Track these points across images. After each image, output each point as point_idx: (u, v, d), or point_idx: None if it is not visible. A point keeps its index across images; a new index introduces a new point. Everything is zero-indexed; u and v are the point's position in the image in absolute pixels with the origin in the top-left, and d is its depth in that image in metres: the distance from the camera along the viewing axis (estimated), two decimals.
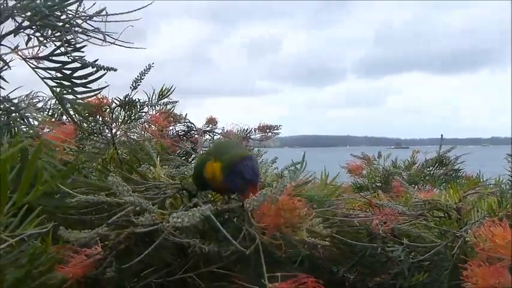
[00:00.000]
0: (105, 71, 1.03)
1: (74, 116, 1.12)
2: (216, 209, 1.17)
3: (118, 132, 1.78)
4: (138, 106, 1.82)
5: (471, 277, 0.98)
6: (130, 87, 1.76)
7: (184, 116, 2.57)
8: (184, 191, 1.22)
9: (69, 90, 1.03)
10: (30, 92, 1.89)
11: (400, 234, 1.43)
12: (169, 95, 2.01)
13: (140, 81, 1.77)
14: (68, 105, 1.02)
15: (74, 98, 1.04)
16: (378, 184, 2.76)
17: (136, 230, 0.94)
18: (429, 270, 1.35)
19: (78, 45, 1.03)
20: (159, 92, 1.98)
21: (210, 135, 2.67)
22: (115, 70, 1.04)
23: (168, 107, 2.13)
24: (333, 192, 1.44)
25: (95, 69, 1.03)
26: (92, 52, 1.07)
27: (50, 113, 1.75)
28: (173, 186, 1.20)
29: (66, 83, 1.03)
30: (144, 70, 1.78)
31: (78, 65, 1.02)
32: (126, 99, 1.72)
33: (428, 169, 2.92)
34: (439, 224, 1.39)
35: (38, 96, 1.92)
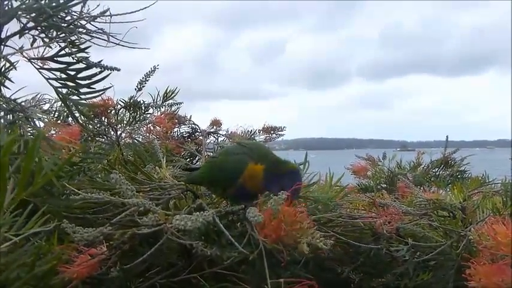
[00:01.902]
0: (110, 71, 1.04)
1: (79, 117, 1.12)
2: (220, 212, 1.17)
3: (123, 134, 1.79)
4: (143, 108, 1.83)
5: (474, 275, 0.97)
6: (135, 89, 1.77)
7: (188, 117, 2.58)
8: (188, 192, 1.22)
9: (74, 91, 1.04)
10: (37, 95, 1.91)
11: (404, 234, 1.43)
12: (173, 96, 2.02)
13: (145, 83, 1.79)
14: (73, 106, 1.02)
15: (79, 98, 1.04)
16: (382, 185, 2.75)
17: (139, 231, 0.94)
18: (434, 270, 1.35)
19: (82, 46, 1.03)
20: (164, 93, 1.99)
21: (214, 136, 2.67)
22: (118, 70, 1.05)
23: (173, 108, 2.14)
24: (338, 193, 1.44)
25: (99, 69, 1.04)
26: (95, 57, 1.08)
27: (56, 115, 1.76)
28: (178, 187, 1.20)
29: (71, 84, 1.03)
30: (149, 72, 1.79)
31: (83, 65, 1.03)
32: (131, 100, 1.73)
33: (433, 170, 2.91)
34: (444, 223, 1.39)
35: (44, 98, 1.94)
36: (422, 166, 2.95)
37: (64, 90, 1.03)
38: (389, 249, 1.39)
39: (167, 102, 2.03)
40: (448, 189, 2.35)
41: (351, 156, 2.99)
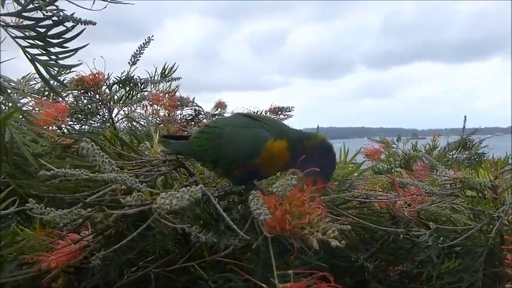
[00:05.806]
0: (84, 26, 0.89)
1: (50, 81, 0.96)
2: (217, 191, 1.03)
3: (119, 115, 1.67)
4: (139, 84, 1.69)
5: None
6: (129, 63, 1.62)
7: (191, 99, 2.47)
8: (181, 169, 1.08)
9: (43, 51, 0.89)
10: (27, 74, 1.80)
11: (426, 217, 1.29)
12: (172, 74, 1.87)
13: (139, 56, 1.64)
14: (39, 65, 0.88)
15: (49, 59, 0.90)
16: (397, 169, 2.63)
17: (121, 212, 0.80)
18: (461, 256, 1.21)
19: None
20: (162, 70, 1.85)
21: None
22: (94, 24, 0.90)
23: (172, 86, 1.99)
24: (354, 170, 1.30)
25: (72, 25, 0.89)
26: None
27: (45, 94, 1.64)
28: (169, 163, 1.05)
29: (40, 43, 0.89)
30: (144, 43, 1.65)
31: (54, 23, 0.89)
32: (125, 76, 1.59)
33: (450, 153, 2.79)
34: (473, 204, 1.24)
35: (35, 78, 1.83)
36: (439, 149, 2.85)
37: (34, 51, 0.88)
38: (409, 234, 1.26)
39: (166, 79, 1.88)
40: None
41: (363, 145, 2.89)
